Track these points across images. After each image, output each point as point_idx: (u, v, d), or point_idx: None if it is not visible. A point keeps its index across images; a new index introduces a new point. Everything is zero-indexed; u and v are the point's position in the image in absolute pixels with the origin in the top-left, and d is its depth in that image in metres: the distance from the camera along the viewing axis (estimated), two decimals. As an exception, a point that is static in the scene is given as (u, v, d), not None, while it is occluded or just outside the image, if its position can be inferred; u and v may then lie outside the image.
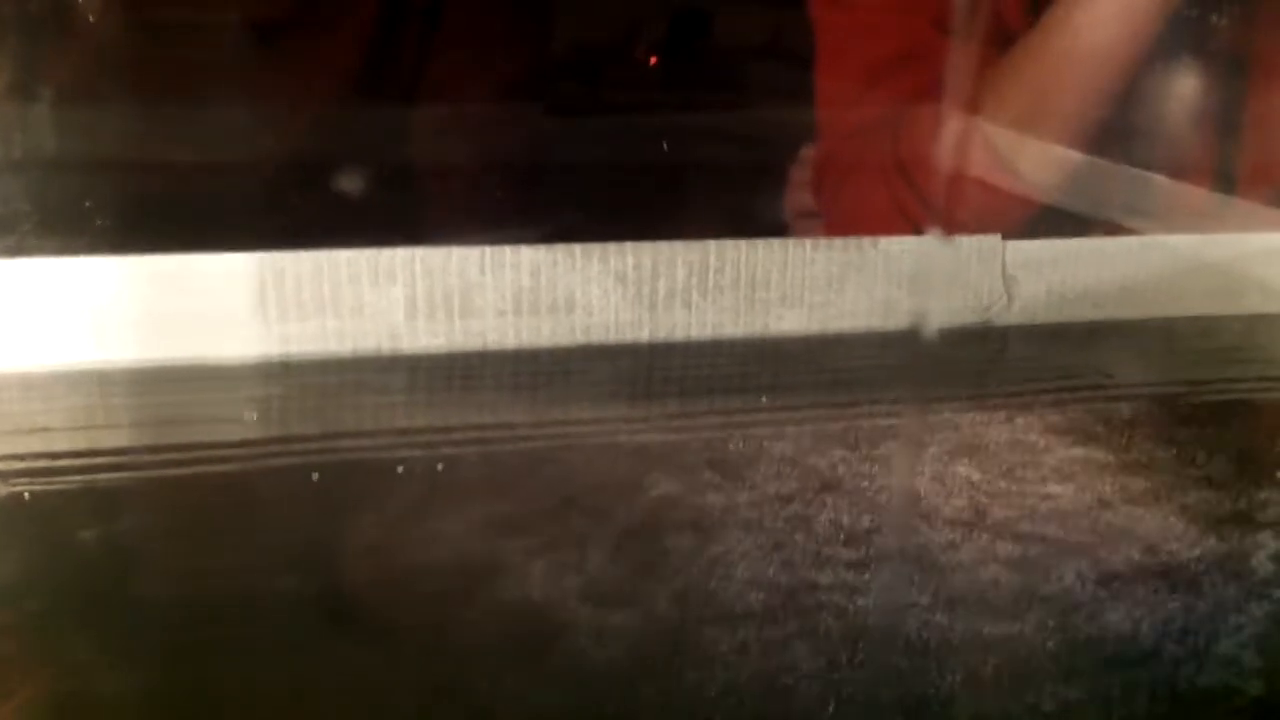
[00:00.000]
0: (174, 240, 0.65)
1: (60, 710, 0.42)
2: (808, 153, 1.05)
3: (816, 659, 0.45)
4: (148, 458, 0.59)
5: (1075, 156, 0.93)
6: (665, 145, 0.87)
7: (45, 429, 0.61)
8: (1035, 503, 0.57)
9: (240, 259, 0.65)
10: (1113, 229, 0.87)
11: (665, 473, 0.58)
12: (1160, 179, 0.94)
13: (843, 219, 1.02)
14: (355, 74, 0.85)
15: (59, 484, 0.56)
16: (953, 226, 0.83)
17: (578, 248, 0.69)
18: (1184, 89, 0.99)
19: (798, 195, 1.06)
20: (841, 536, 0.53)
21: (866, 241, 0.74)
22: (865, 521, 0.54)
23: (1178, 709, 0.45)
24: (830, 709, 0.43)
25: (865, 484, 0.58)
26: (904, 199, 0.96)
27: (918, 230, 0.92)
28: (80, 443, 0.60)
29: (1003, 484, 0.58)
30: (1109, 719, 0.44)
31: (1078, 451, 0.62)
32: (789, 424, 0.65)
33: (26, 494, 0.54)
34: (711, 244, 0.71)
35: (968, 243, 0.76)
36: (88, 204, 0.69)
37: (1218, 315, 0.82)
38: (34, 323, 0.64)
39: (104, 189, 0.71)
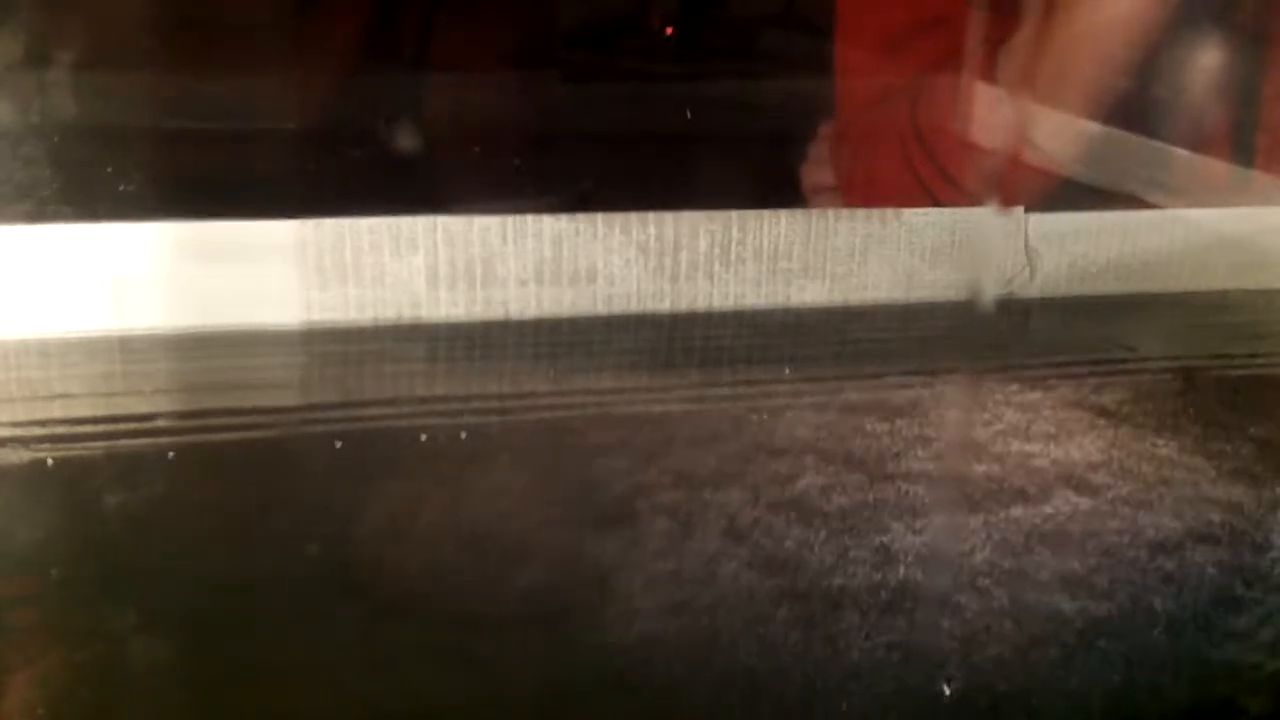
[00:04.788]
0: (194, 208, 0.65)
1: (84, 676, 0.42)
2: (826, 129, 1.04)
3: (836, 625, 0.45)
4: (169, 424, 0.58)
5: (1094, 128, 0.92)
6: (688, 114, 0.86)
7: (68, 395, 0.61)
8: (1051, 473, 0.57)
9: (262, 227, 0.65)
10: (1134, 202, 0.86)
11: (687, 442, 0.58)
12: (1180, 151, 0.93)
13: (861, 188, 1.01)
14: (374, 41, 0.85)
15: (81, 450, 0.55)
16: (971, 198, 0.82)
17: (600, 217, 0.69)
18: (1203, 60, 0.98)
19: (815, 171, 1.05)
20: (865, 506, 0.53)
21: (889, 213, 0.73)
22: (888, 490, 0.54)
23: (1196, 674, 0.45)
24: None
25: (887, 454, 0.58)
26: (923, 169, 0.96)
27: (935, 201, 0.92)
28: (102, 409, 0.60)
29: (1023, 456, 0.58)
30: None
31: (1100, 425, 0.62)
32: (811, 394, 0.65)
33: (49, 460, 0.54)
34: (734, 214, 0.71)
35: (990, 215, 0.75)
36: (109, 170, 0.69)
37: (1240, 289, 0.81)
38: (57, 289, 0.63)
39: (124, 156, 0.70)
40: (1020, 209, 0.76)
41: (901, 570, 0.49)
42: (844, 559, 0.49)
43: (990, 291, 0.76)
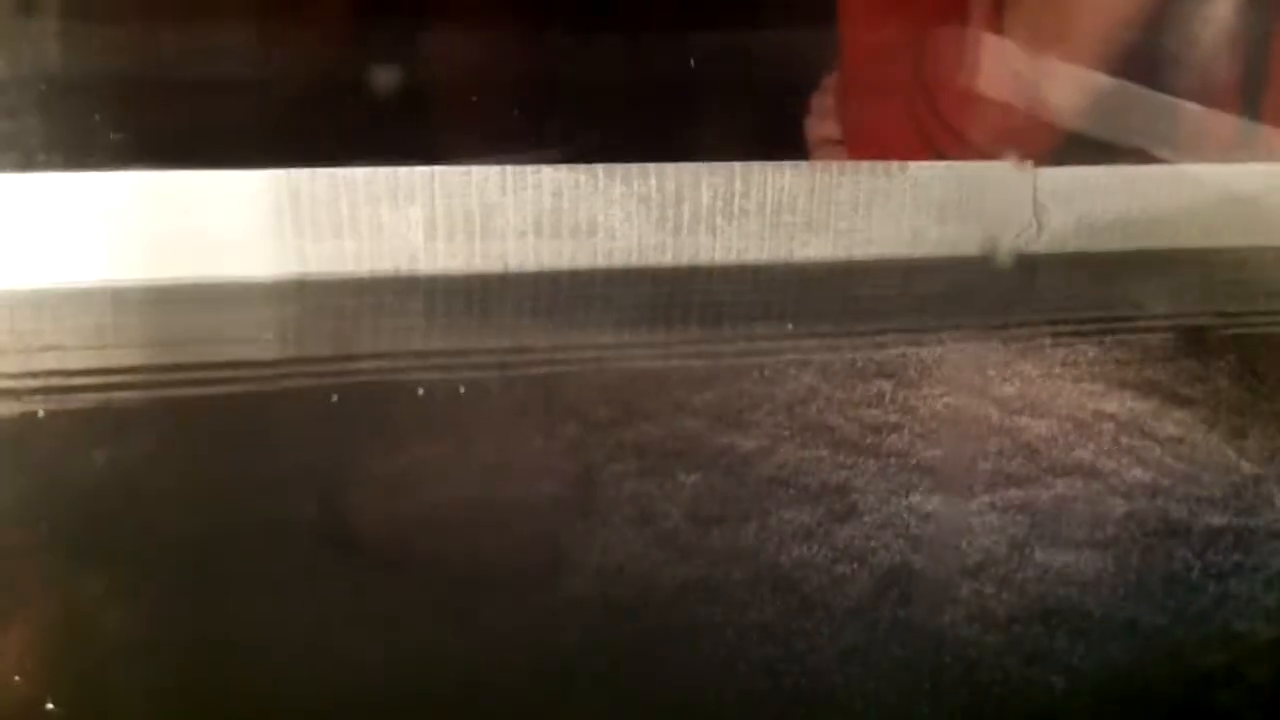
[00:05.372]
0: (188, 157, 0.63)
1: (73, 630, 0.42)
2: (830, 81, 1.03)
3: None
4: (163, 377, 0.58)
5: (1102, 80, 0.91)
6: (691, 63, 0.85)
7: (59, 347, 0.60)
8: (1054, 435, 0.56)
9: (256, 177, 0.64)
10: (1142, 157, 0.85)
11: (686, 399, 0.58)
12: (1189, 105, 0.92)
13: (864, 142, 1.00)
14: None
15: (73, 403, 0.55)
16: (976, 152, 0.81)
17: (600, 169, 0.68)
18: (1212, 11, 0.96)
19: (819, 124, 1.04)
20: (863, 463, 0.52)
21: (895, 167, 0.72)
22: (890, 448, 0.54)
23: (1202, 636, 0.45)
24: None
25: (886, 412, 0.57)
26: (927, 122, 0.95)
27: (940, 155, 0.91)
28: (94, 361, 0.59)
29: (1026, 416, 0.58)
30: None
31: (1105, 384, 0.61)
32: (813, 351, 0.64)
33: (40, 412, 0.53)
34: (737, 167, 0.69)
35: (998, 170, 0.74)
36: (99, 118, 0.68)
37: (1249, 247, 0.80)
38: (48, 240, 0.62)
39: (116, 104, 0.69)
40: (1029, 164, 0.75)
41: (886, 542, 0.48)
42: (837, 526, 0.49)
43: (997, 248, 0.75)
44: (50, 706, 0.38)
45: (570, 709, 0.40)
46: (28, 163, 0.64)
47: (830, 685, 0.41)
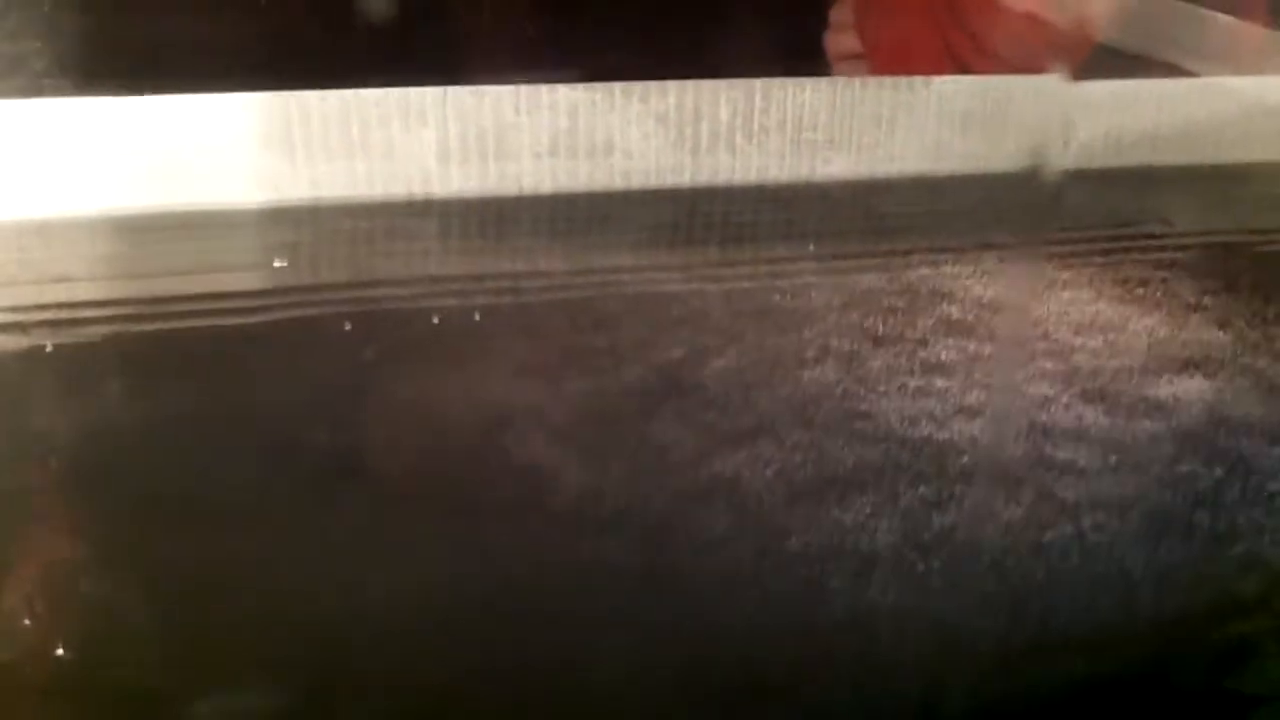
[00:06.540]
0: (196, 79, 0.62)
1: (86, 566, 0.41)
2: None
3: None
4: (173, 307, 0.57)
5: (1130, -9, 0.89)
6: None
7: (66, 278, 0.59)
8: (1082, 355, 0.55)
9: (265, 99, 0.62)
10: (1171, 70, 0.83)
11: (706, 322, 0.57)
12: (1219, 16, 0.90)
13: (887, 59, 0.98)
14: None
15: (82, 335, 0.54)
16: (1002, 67, 0.80)
17: (617, 87, 0.66)
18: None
19: (839, 37, 1.02)
20: (890, 387, 0.52)
21: (918, 81, 0.71)
22: (916, 371, 0.53)
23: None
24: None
25: (913, 334, 0.56)
26: (952, 37, 0.93)
27: (964, 69, 0.89)
28: (103, 292, 0.58)
29: (1055, 335, 0.57)
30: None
31: (1135, 302, 0.60)
32: (836, 272, 0.63)
33: (49, 345, 0.52)
34: (756, 83, 0.68)
35: (1023, 83, 0.73)
36: (105, 42, 0.66)
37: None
38: (52, 167, 0.61)
39: (122, 26, 0.68)
40: (1056, 76, 0.73)
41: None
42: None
43: (1023, 163, 0.73)
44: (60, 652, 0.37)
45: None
46: (32, 88, 0.63)
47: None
